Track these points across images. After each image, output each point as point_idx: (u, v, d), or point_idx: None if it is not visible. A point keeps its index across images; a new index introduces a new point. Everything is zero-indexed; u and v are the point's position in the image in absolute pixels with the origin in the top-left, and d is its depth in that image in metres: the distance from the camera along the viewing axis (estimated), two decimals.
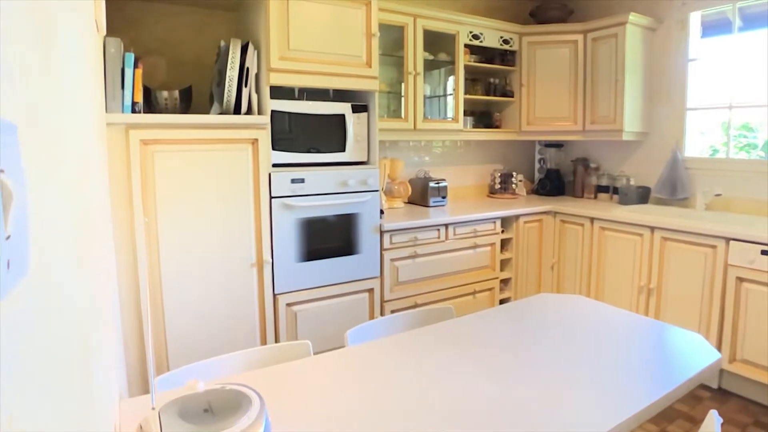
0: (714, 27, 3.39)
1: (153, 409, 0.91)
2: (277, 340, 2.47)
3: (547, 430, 1.05)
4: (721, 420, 1.09)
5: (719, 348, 2.69)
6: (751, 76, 3.19)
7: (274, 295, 2.45)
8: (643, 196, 3.63)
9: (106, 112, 2.00)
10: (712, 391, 2.75)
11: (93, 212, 0.92)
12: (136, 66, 2.11)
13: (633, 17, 3.37)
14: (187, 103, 2.43)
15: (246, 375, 1.30)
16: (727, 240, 2.63)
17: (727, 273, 2.64)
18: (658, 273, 2.96)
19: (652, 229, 2.98)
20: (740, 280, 2.59)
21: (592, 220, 3.33)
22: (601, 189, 3.93)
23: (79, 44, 0.81)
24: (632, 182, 3.74)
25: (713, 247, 2.69)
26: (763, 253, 2.49)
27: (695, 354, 1.45)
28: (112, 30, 2.42)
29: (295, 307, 2.52)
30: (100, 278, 0.99)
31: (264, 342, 2.44)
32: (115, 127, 2.02)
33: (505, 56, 3.75)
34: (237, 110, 2.36)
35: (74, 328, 0.51)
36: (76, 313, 0.53)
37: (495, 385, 1.24)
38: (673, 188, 3.45)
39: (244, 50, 2.37)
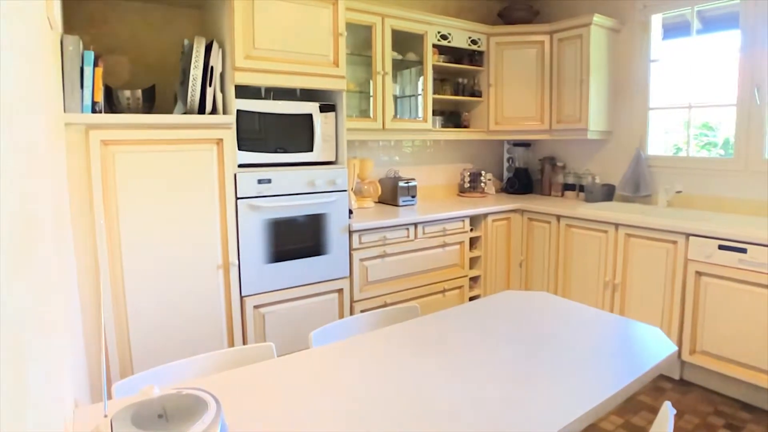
0: (674, 29, 3.49)
1: (105, 416, 0.89)
2: (245, 343, 2.44)
3: (509, 427, 1.06)
4: (674, 411, 1.13)
5: (680, 340, 2.77)
6: (709, 77, 3.29)
7: (241, 298, 2.42)
8: (608, 193, 3.71)
9: (65, 111, 1.95)
10: (674, 383, 2.83)
11: (40, 216, 0.89)
12: (96, 64, 2.05)
13: (597, 19, 3.44)
14: (150, 103, 2.38)
15: (206, 379, 1.28)
16: (687, 236, 2.71)
17: (687, 267, 2.72)
18: (622, 269, 3.03)
19: (616, 225, 3.05)
20: (699, 274, 2.68)
21: (558, 217, 3.39)
22: (567, 187, 4.01)
23: (18, 40, 0.78)
24: (597, 180, 3.82)
25: (674, 242, 2.77)
26: (720, 247, 2.58)
27: (653, 347, 1.49)
28: (71, 28, 2.37)
29: (263, 309, 2.50)
30: (50, 284, 0.96)
31: (231, 345, 2.41)
32: (74, 128, 1.96)
33: (474, 56, 3.78)
34: (201, 110, 2.32)
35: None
36: (5, 322, 0.51)
37: (458, 383, 1.25)
38: (636, 186, 3.54)
39: (208, 49, 2.34)
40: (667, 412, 1.12)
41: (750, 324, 2.49)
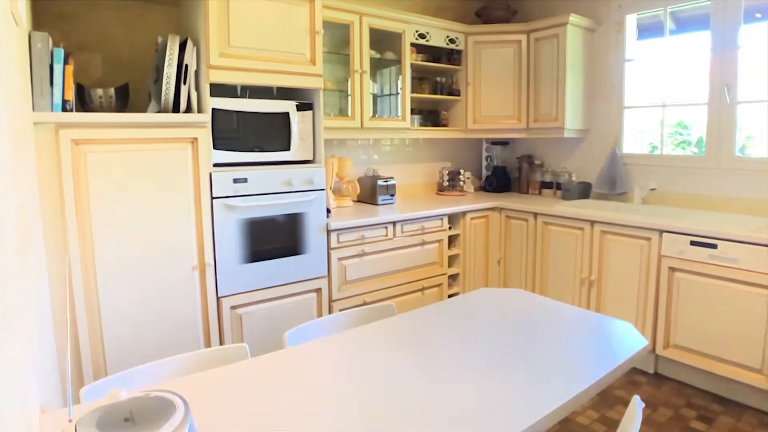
0: (649, 29, 3.54)
1: (70, 421, 0.88)
2: (221, 344, 2.42)
3: (484, 422, 1.07)
4: (642, 404, 1.15)
5: (654, 335, 2.83)
6: (682, 77, 3.35)
7: (218, 298, 2.40)
8: (584, 191, 3.76)
9: (34, 110, 1.91)
10: (648, 377, 2.89)
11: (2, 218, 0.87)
12: (66, 62, 2.01)
13: (573, 18, 3.48)
14: (123, 102, 2.34)
15: (177, 381, 1.26)
16: (660, 232, 2.76)
17: (661, 263, 2.77)
18: (598, 265, 3.08)
19: (592, 223, 3.09)
20: (672, 269, 2.73)
21: (535, 215, 3.42)
22: (545, 185, 4.05)
23: None
24: (574, 178, 3.87)
25: (648, 239, 2.82)
26: (692, 243, 2.63)
27: (625, 342, 1.52)
28: (40, 25, 2.32)
29: (240, 310, 2.48)
30: (9, 288, 0.93)
31: (208, 346, 2.38)
32: (44, 127, 1.92)
33: (452, 55, 3.80)
34: (176, 108, 2.29)
35: None
36: None
37: (432, 380, 1.25)
38: (612, 183, 3.59)
39: (182, 46, 2.31)
40: (635, 406, 1.14)
41: (720, 318, 2.55)
